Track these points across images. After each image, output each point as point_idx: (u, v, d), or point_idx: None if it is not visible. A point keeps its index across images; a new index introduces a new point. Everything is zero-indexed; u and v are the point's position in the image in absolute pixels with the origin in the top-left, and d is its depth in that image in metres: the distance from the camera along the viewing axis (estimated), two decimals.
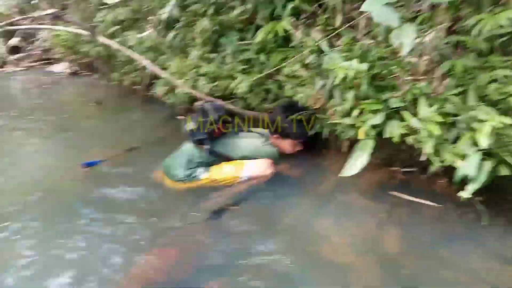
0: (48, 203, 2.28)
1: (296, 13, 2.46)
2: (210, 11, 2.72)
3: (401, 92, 2.02)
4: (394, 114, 2.07)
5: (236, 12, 2.61)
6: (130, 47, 3.51)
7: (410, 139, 1.92)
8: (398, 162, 2.34)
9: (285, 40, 2.60)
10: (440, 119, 1.80)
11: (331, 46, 2.42)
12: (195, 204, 2.11)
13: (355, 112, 2.14)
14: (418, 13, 2.15)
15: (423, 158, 1.88)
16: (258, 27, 2.69)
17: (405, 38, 1.59)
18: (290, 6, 2.34)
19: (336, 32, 2.38)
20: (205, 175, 2.33)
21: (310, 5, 2.40)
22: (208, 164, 2.38)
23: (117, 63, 4.20)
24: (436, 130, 1.78)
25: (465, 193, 1.75)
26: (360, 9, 1.73)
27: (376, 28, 2.28)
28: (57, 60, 5.99)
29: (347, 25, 2.36)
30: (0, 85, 5.42)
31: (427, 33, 2.03)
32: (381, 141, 2.07)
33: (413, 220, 2.04)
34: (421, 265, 1.75)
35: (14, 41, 5.96)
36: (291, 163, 2.59)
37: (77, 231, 2.02)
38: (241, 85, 2.59)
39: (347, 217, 2.11)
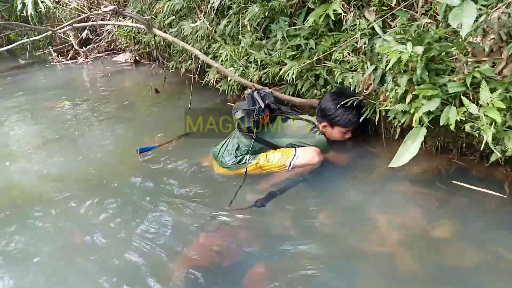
0: (109, 185, 2.48)
1: None
2: None
3: (460, 76, 1.88)
4: (452, 99, 1.94)
5: None
6: (185, 37, 3.64)
7: (468, 127, 1.78)
8: (455, 149, 2.19)
9: (337, 23, 2.52)
10: (503, 105, 1.65)
11: (386, 27, 2.30)
12: (242, 191, 2.15)
13: (409, 98, 2.04)
14: None
15: (482, 147, 1.74)
16: (309, 11, 2.63)
17: (465, 18, 1.46)
18: None
19: (392, 12, 2.26)
20: (252, 162, 2.36)
21: None
22: (256, 152, 2.41)
23: (174, 52, 4.37)
24: (498, 117, 1.64)
25: None
26: None
27: (436, 6, 2.13)
28: (121, 51, 6.37)
29: (403, 4, 2.23)
30: (72, 75, 5.91)
31: (494, 9, 1.86)
32: (437, 128, 1.95)
33: (469, 210, 1.92)
34: (473, 257, 1.65)
35: (84, 34, 6.43)
36: (340, 150, 2.54)
37: (130, 213, 2.18)
38: (290, 71, 2.56)
39: (397, 207, 2.04)
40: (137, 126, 3.49)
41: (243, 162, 2.38)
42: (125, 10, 2.35)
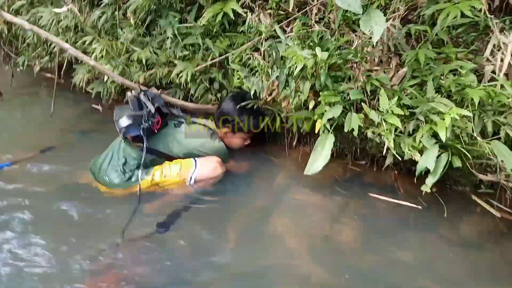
0: None
1: None
2: None
3: (359, 84, 1.95)
4: (349, 106, 2.00)
5: None
6: (42, 27, 2.96)
7: (369, 133, 1.85)
8: (349, 154, 2.29)
9: (231, 24, 2.37)
10: (400, 111, 1.75)
11: (282, 32, 2.26)
12: (136, 215, 1.79)
13: (311, 104, 2.03)
14: (373, 0, 2.09)
15: (384, 151, 1.83)
16: (201, 8, 2.42)
17: (375, 25, 1.49)
18: None
19: (288, 17, 2.23)
20: (146, 178, 2.02)
21: None
22: (147, 165, 2.07)
23: (25, 45, 3.56)
24: (398, 123, 1.73)
25: (426, 187, 1.74)
26: None
27: (329, 15, 2.19)
28: None
29: (299, 11, 2.22)
30: None
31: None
32: (335, 134, 1.98)
33: (367, 214, 2.00)
34: (375, 259, 1.71)
35: None
36: (238, 159, 2.40)
37: None
38: (183, 73, 2.30)
39: (301, 215, 2.00)
40: None
41: (134, 179, 2.01)
42: None
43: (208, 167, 2.09)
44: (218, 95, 2.45)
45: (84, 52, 2.74)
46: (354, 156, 2.28)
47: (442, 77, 1.80)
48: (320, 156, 1.81)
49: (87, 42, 2.65)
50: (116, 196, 2.03)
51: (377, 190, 2.10)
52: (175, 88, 2.60)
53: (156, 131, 2.05)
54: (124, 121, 1.98)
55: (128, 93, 2.18)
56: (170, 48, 2.44)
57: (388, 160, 1.95)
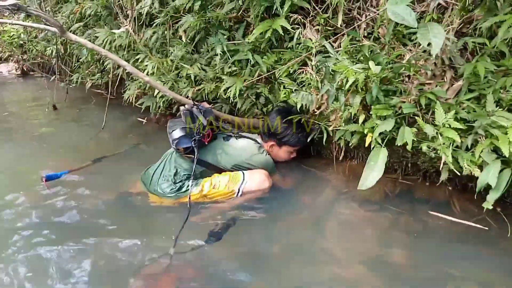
0: (3, 223, 1.89)
1: (293, 11, 2.29)
2: (196, 6, 2.47)
3: (412, 97, 1.92)
4: (400, 120, 1.96)
5: (225, 8, 2.39)
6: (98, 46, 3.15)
7: (425, 147, 1.80)
8: (400, 169, 2.23)
9: (278, 41, 2.42)
10: (458, 125, 1.70)
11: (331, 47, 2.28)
12: (186, 225, 1.83)
13: (361, 118, 2.01)
14: (423, 14, 2.08)
15: (441, 166, 1.77)
16: (248, 25, 2.49)
17: (434, 37, 1.47)
18: (288, 3, 2.16)
19: (336, 32, 2.25)
20: (196, 189, 2.06)
21: (310, 3, 2.24)
22: (197, 176, 2.12)
23: (79, 64, 3.79)
24: (456, 137, 1.68)
25: (488, 204, 1.66)
26: (383, 7, 1.59)
27: (378, 29, 2.19)
28: (3, 60, 5.37)
29: (346, 26, 2.24)
30: None
31: None
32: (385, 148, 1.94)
33: (419, 232, 1.91)
34: (428, 277, 1.62)
35: None
36: (283, 173, 2.40)
37: (40, 261, 1.67)
38: (232, 88, 2.36)
39: (350, 231, 1.95)
40: (35, 150, 2.84)
41: (184, 189, 2.05)
42: (29, 7, 1.85)
43: (256, 180, 2.11)
44: (264, 109, 2.49)
45: (139, 69, 2.88)
46: (405, 171, 2.22)
47: (502, 91, 1.74)
48: (373, 171, 1.78)
49: (139, 60, 2.78)
50: (165, 205, 2.07)
51: (430, 206, 2.02)
52: (221, 102, 2.66)
53: (206, 143, 2.10)
54: (177, 133, 2.04)
55: (182, 107, 2.26)
56: (218, 64, 2.51)
57: (443, 176, 1.88)
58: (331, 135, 2.25)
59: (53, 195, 2.14)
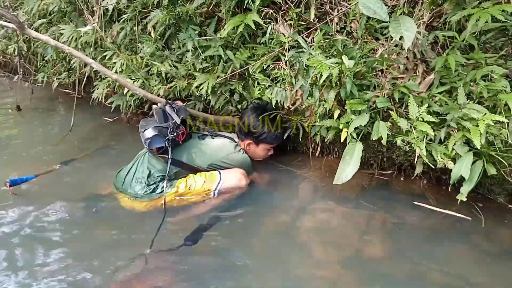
0: None
1: (265, 5, 2.25)
2: (165, 2, 2.38)
3: (385, 91, 1.92)
4: (375, 115, 1.96)
5: (195, 3, 2.31)
6: (63, 43, 3.01)
7: (399, 141, 1.81)
8: (375, 164, 2.24)
9: (251, 36, 2.37)
10: (431, 118, 1.71)
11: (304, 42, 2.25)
12: (162, 227, 1.76)
13: (336, 113, 2.00)
14: (395, 8, 2.08)
15: (416, 160, 1.78)
16: (220, 21, 2.43)
17: (406, 31, 1.46)
18: None
19: (310, 27, 2.22)
20: (171, 190, 1.99)
21: None
22: (171, 177, 2.05)
23: (44, 62, 3.61)
24: (429, 130, 1.69)
25: (462, 196, 1.68)
26: (355, 1, 1.57)
27: (350, 24, 2.18)
28: None
29: (319, 21, 2.22)
30: None
31: None
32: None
33: (395, 225, 1.93)
34: (409, 270, 1.64)
35: None
36: (261, 169, 2.36)
37: (7, 266, 1.57)
38: (204, 85, 2.29)
39: (327, 228, 1.94)
40: None
41: (158, 191, 1.98)
42: None
43: (233, 179, 2.06)
44: (239, 106, 2.44)
45: (105, 66, 2.76)
46: (380, 165, 2.23)
47: (472, 83, 1.76)
48: (349, 165, 1.77)
49: (107, 57, 2.67)
50: (140, 208, 2.00)
51: (406, 200, 2.04)
52: (194, 100, 2.60)
53: (181, 142, 2.03)
54: (150, 132, 1.97)
55: (154, 106, 2.18)
56: (189, 60, 2.44)
57: (418, 169, 1.90)
58: (307, 131, 2.23)
59: (18, 200, 2.02)
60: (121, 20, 2.69)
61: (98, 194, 2.14)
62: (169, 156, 1.95)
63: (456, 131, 1.73)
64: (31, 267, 1.58)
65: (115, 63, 2.61)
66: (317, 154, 2.39)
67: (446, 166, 1.71)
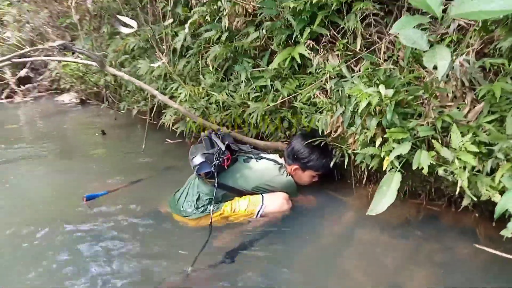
0: (44, 236, 2.11)
1: (314, 38, 2.37)
2: (223, 37, 2.64)
3: (429, 120, 1.89)
4: (419, 143, 1.93)
5: (250, 38, 2.53)
6: (139, 76, 3.46)
7: (441, 171, 1.76)
8: (423, 194, 2.17)
9: (301, 67, 2.50)
10: (475, 148, 1.65)
11: (350, 72, 2.31)
12: (207, 246, 1.93)
13: (378, 141, 2.01)
14: (444, 36, 2.06)
15: (457, 191, 1.71)
16: (272, 53, 2.60)
17: (440, 60, 1.47)
18: (307, 30, 2.25)
19: (356, 57, 2.29)
20: (217, 212, 2.15)
21: (329, 30, 2.31)
22: (218, 200, 2.20)
23: (126, 92, 4.15)
24: (472, 161, 1.62)
25: (507, 232, 1.56)
26: (390, 31, 1.62)
27: (398, 53, 2.19)
28: (65, 90, 5.98)
29: (367, 50, 2.27)
30: (8, 115, 5.37)
31: (456, 56, 1.93)
32: (405, 172, 1.91)
33: (441, 260, 1.84)
34: None
35: (23, 72, 5.99)
36: (306, 193, 2.42)
37: (72, 269, 1.84)
38: (254, 113, 2.47)
39: (370, 257, 1.92)
40: (82, 170, 3.14)
41: (206, 212, 2.15)
42: (74, 45, 2.14)
43: (275, 203, 2.15)
44: (288, 132, 2.56)
45: (173, 96, 3.11)
46: (429, 196, 2.15)
47: None
48: (385, 196, 1.76)
49: (173, 88, 3.01)
50: (189, 227, 2.19)
51: (454, 233, 1.94)
52: (248, 127, 2.77)
53: (226, 167, 2.19)
54: (197, 159, 2.14)
55: (202, 133, 2.38)
56: (244, 90, 2.65)
57: (465, 201, 1.80)
58: (351, 158, 2.25)
59: (91, 212, 2.35)
60: (187, 55, 3.02)
61: (158, 210, 2.38)
62: (216, 181, 2.11)
63: (504, 162, 1.63)
64: (85, 269, 1.83)
65: (180, 93, 2.92)
66: (364, 182, 2.38)
67: (492, 200, 1.61)
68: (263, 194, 2.20)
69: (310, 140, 2.27)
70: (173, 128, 3.33)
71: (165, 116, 3.25)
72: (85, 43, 4.07)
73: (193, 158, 2.17)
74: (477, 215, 1.99)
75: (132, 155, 3.35)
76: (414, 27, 1.57)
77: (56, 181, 2.92)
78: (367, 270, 1.83)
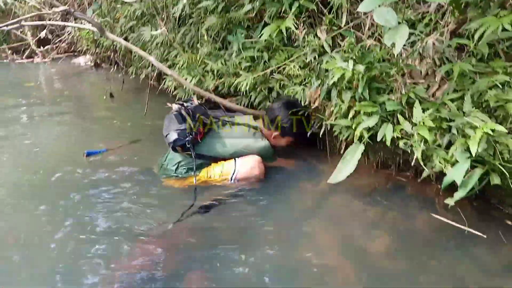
0: (51, 188, 2.38)
1: (303, 11, 2.46)
2: (219, 8, 2.75)
3: (398, 95, 2.00)
4: (390, 117, 2.05)
5: (244, 9, 2.64)
6: (145, 43, 3.62)
7: (401, 143, 1.89)
8: (393, 165, 2.31)
9: (290, 39, 2.61)
10: (432, 124, 1.77)
11: (336, 46, 2.41)
12: (186, 202, 2.15)
13: (351, 114, 2.13)
14: (424, 15, 2.12)
15: (413, 163, 1.85)
16: (266, 25, 2.70)
17: (398, 39, 1.57)
18: (295, 4, 2.34)
19: (340, 32, 2.38)
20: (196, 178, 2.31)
21: (316, 4, 2.39)
22: (198, 167, 2.32)
23: (135, 57, 4.31)
24: (428, 135, 1.75)
25: (451, 200, 1.71)
26: (357, 9, 1.72)
27: (381, 30, 2.27)
28: (82, 53, 6.20)
29: (351, 25, 2.35)
30: (27, 74, 5.66)
31: (429, 36, 2.01)
32: (378, 144, 2.04)
33: (403, 225, 2.00)
34: (405, 269, 1.72)
35: (42, 33, 6.22)
36: (285, 156, 2.60)
37: (68, 216, 2.09)
38: (244, 82, 2.61)
39: (338, 221, 2.08)
40: (88, 129, 3.39)
41: (186, 174, 2.35)
42: (78, 12, 2.30)
43: (247, 166, 2.29)
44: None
45: (173, 63, 3.27)
46: (398, 167, 2.29)
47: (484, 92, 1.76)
48: (347, 166, 1.90)
49: (173, 55, 3.16)
50: (172, 186, 2.40)
51: (417, 202, 2.09)
52: (241, 96, 2.92)
53: (200, 140, 2.31)
54: (172, 136, 2.24)
55: (173, 106, 2.41)
56: (234, 60, 2.77)
57: (425, 173, 1.94)
58: (330, 129, 2.39)
59: (89, 166, 2.60)
60: (187, 24, 3.15)
61: (151, 169, 2.57)
62: (193, 156, 2.24)
63: (459, 137, 1.75)
64: (81, 218, 2.08)
65: (179, 61, 3.08)
66: (342, 152, 2.51)
67: (444, 171, 1.75)
68: (236, 159, 2.33)
69: (293, 110, 2.39)
70: (173, 94, 3.51)
71: (165, 82, 3.42)
72: (94, 10, 4.22)
73: (167, 135, 2.27)
74: (439, 186, 2.12)
75: (136, 117, 3.56)
76: (382, 5, 1.66)
77: (64, 138, 3.19)
78: (334, 233, 2.00)
